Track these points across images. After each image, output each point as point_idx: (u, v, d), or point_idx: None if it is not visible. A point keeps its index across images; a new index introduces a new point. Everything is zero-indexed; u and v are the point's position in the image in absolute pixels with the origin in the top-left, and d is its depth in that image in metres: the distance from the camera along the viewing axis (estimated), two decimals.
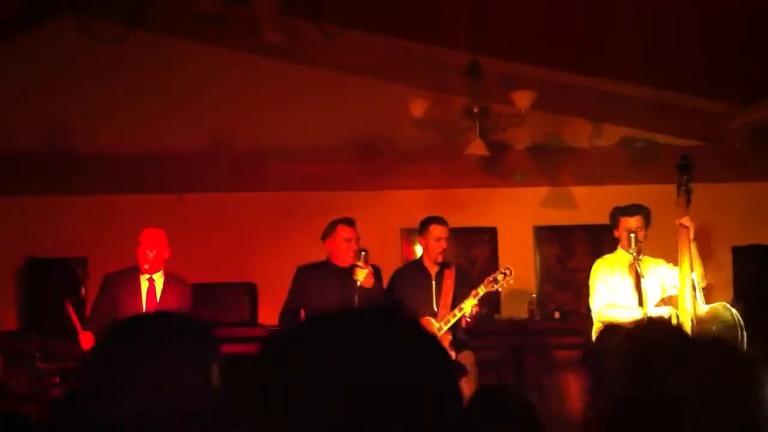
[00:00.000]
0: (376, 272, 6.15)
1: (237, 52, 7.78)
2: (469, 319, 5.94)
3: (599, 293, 5.95)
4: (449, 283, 6.17)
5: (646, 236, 5.93)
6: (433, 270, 6.26)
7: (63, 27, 7.62)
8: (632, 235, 5.77)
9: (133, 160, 7.75)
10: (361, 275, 5.83)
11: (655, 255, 5.95)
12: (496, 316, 8.13)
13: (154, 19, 7.50)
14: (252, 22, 7.09)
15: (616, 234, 6.07)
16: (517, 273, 6.16)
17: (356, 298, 5.79)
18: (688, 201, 5.86)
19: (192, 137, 7.70)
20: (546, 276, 8.42)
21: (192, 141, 7.71)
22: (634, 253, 5.76)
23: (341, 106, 7.78)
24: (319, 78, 7.83)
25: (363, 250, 5.93)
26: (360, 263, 5.88)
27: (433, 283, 6.22)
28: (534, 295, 8.27)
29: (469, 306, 5.86)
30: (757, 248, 8.13)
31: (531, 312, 8.22)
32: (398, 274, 6.46)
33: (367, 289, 5.85)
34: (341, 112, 7.78)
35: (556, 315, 7.84)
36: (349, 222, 6.16)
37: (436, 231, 6.23)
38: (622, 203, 6.12)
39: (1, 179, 8.01)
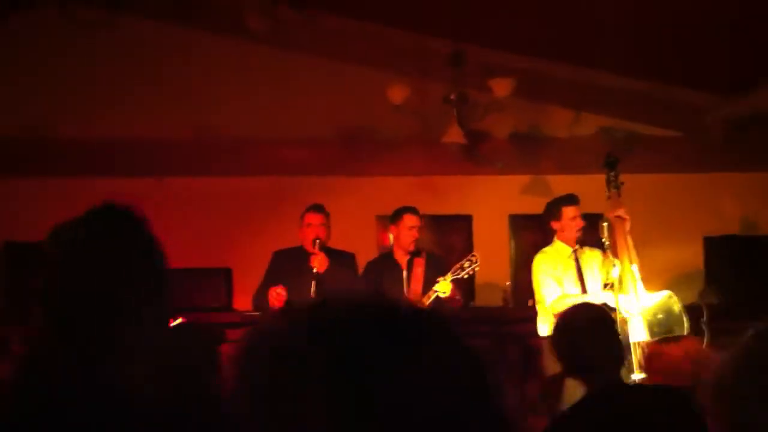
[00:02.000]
0: (351, 259, 6.17)
1: (219, 37, 7.73)
2: (451, 299, 5.94)
3: (548, 286, 5.97)
4: (419, 270, 6.20)
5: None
6: (404, 259, 6.28)
7: (44, 10, 7.56)
8: (605, 225, 5.80)
9: (113, 143, 7.69)
10: (316, 262, 5.85)
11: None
12: (471, 303, 8.16)
13: (136, 3, 7.46)
14: (235, 6, 7.06)
15: (556, 225, 6.09)
16: (491, 261, 6.19)
17: (312, 285, 5.80)
18: (619, 195, 5.93)
19: (171, 121, 7.65)
20: (521, 264, 8.44)
21: (171, 125, 7.66)
22: (607, 242, 5.80)
23: (322, 92, 7.76)
24: (301, 64, 7.80)
25: (316, 238, 5.94)
26: (315, 250, 5.90)
27: (404, 272, 6.24)
28: (508, 283, 8.30)
29: (443, 288, 5.87)
30: (729, 238, 8.20)
31: (505, 300, 8.24)
32: (369, 268, 6.46)
33: (322, 275, 5.87)
34: (321, 98, 7.75)
35: (530, 303, 7.86)
36: (313, 209, 6.15)
37: (409, 221, 6.24)
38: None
39: None
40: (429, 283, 6.07)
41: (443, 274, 6.03)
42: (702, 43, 6.46)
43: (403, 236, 6.24)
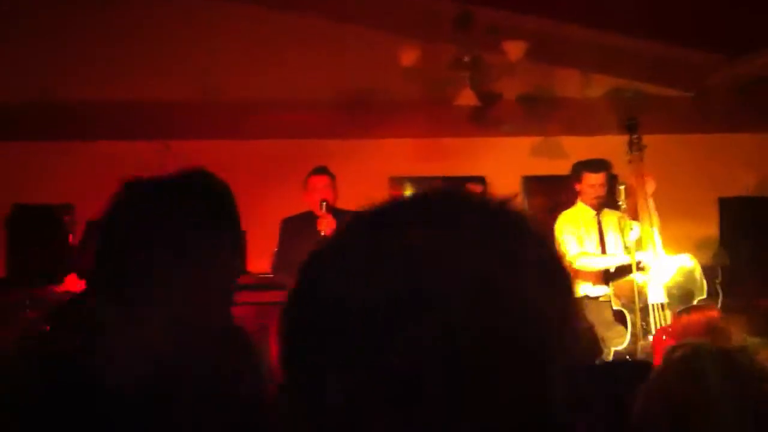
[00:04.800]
0: None
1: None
2: None
3: (569, 244, 5.96)
4: None
5: (606, 192, 6.00)
6: None
7: None
8: (621, 188, 5.79)
9: (120, 107, 7.67)
10: (324, 225, 5.77)
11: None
12: None
13: None
14: None
15: (578, 187, 6.09)
16: None
17: None
18: (641, 158, 5.94)
19: (178, 84, 7.61)
20: None
21: (178, 88, 7.61)
22: (624, 205, 5.79)
23: (330, 54, 7.68)
24: (308, 26, 7.72)
25: (323, 200, 5.87)
26: (321, 213, 5.83)
27: None
28: None
29: None
30: (744, 199, 8.17)
31: None
32: None
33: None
34: (330, 60, 7.68)
35: None
36: (317, 171, 6.09)
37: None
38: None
39: None
40: None
41: None
42: (709, 3, 6.39)
43: None
